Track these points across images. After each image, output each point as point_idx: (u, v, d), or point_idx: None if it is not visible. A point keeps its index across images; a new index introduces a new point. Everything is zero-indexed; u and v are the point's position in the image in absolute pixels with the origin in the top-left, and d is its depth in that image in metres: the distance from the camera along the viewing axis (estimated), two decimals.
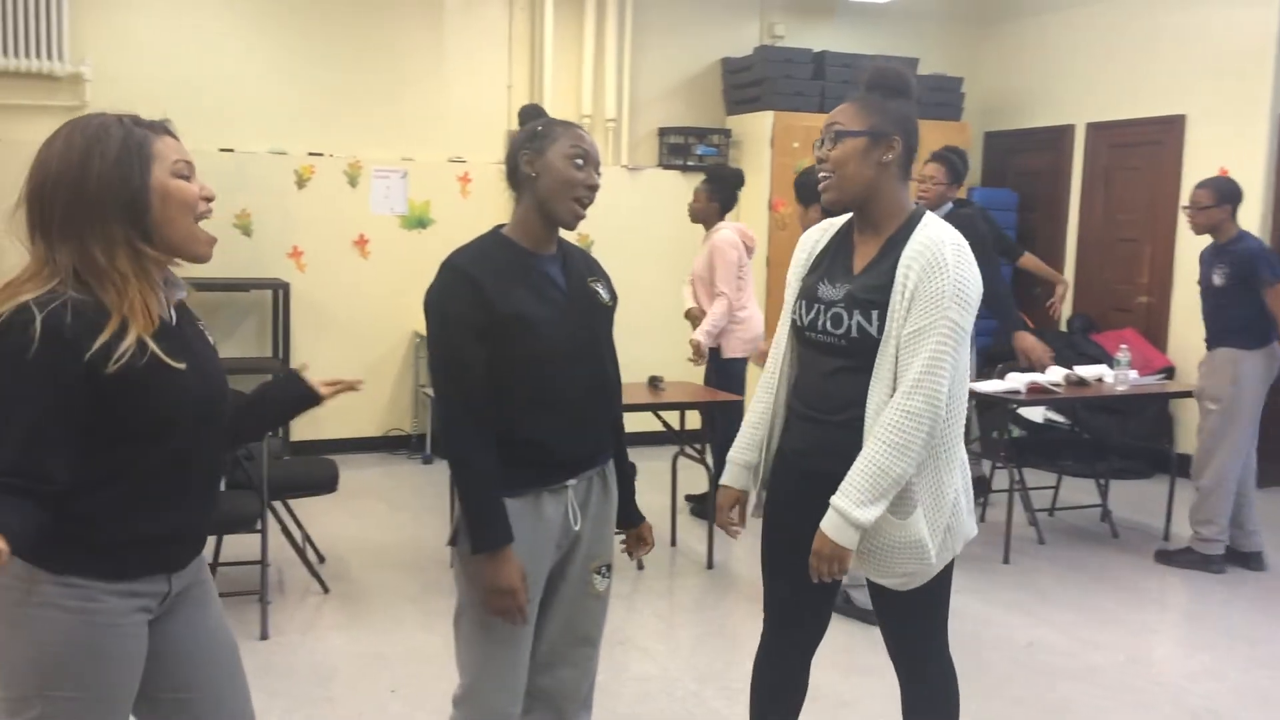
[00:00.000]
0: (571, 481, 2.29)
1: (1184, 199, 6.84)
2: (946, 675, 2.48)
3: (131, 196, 1.69)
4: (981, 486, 5.89)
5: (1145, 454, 6.62)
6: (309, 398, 2.11)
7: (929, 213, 2.34)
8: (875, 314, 2.24)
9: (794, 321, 2.41)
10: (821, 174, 2.34)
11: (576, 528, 2.31)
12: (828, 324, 2.32)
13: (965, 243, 2.25)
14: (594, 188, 2.24)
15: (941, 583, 2.37)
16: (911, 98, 2.35)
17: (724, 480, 2.55)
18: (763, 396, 2.51)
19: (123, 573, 1.75)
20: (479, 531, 2.17)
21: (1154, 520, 5.65)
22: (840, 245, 2.41)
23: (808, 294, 2.39)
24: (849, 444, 2.25)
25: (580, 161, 2.21)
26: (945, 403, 2.19)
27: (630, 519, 2.52)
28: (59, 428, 1.63)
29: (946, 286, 2.17)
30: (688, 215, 5.57)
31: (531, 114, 2.37)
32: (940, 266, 2.18)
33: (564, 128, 2.25)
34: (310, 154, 6.62)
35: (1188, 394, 5.30)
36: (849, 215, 2.42)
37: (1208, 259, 4.95)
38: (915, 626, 2.44)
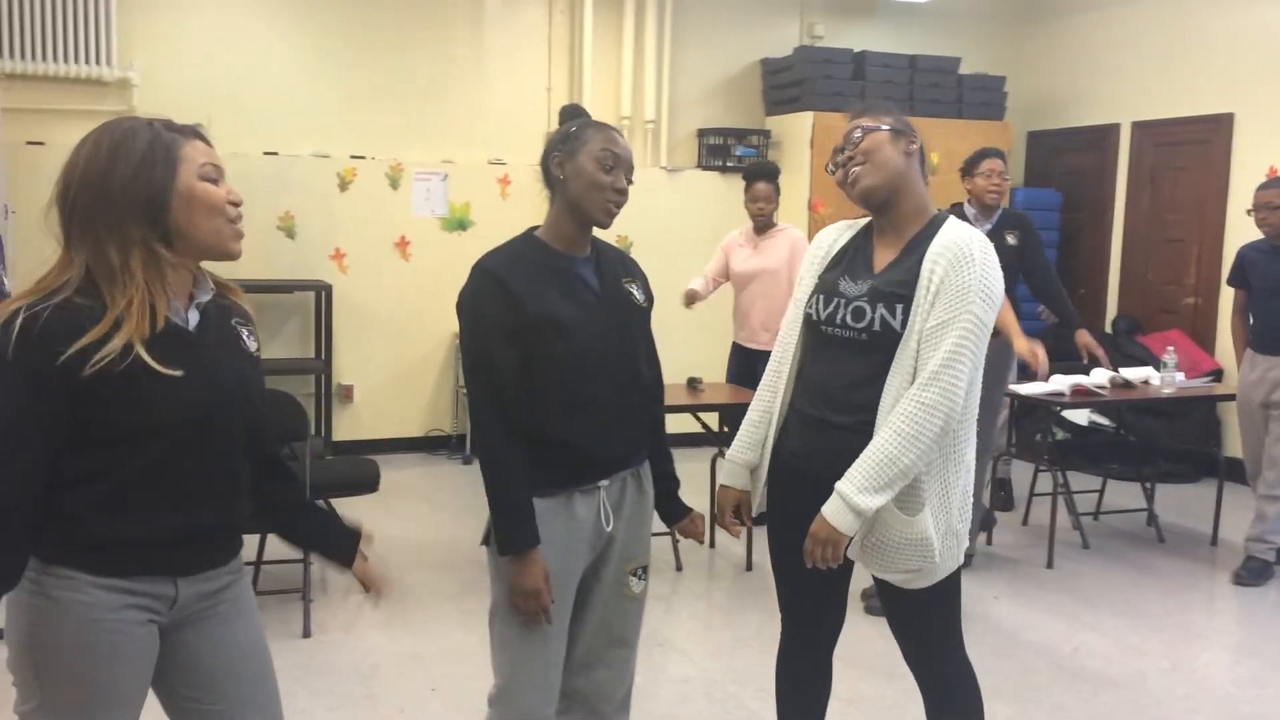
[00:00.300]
0: (604, 482, 2.29)
1: (1233, 199, 6.76)
2: (965, 676, 2.44)
3: (151, 197, 1.69)
4: (1005, 491, 5.86)
5: (1192, 457, 6.51)
6: (340, 557, 2.06)
7: (951, 215, 2.35)
8: (900, 307, 2.23)
9: (809, 316, 2.37)
10: (853, 166, 2.32)
11: (609, 528, 2.31)
12: (848, 318, 2.29)
13: (990, 244, 2.26)
14: (622, 191, 2.23)
15: (951, 582, 2.34)
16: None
17: (723, 480, 2.53)
18: (765, 395, 2.48)
19: (111, 569, 1.73)
20: (505, 533, 2.19)
21: (1201, 525, 5.56)
22: (860, 245, 2.40)
23: (827, 289, 2.36)
24: (852, 449, 2.22)
25: (610, 164, 2.20)
26: (963, 398, 2.17)
27: (674, 514, 2.51)
28: (35, 428, 1.65)
29: (973, 281, 2.17)
30: (756, 218, 5.31)
31: (571, 114, 2.35)
32: (968, 261, 2.19)
33: (596, 130, 2.24)
34: (352, 157, 6.69)
35: (1236, 397, 5.21)
36: (867, 219, 2.42)
37: (1271, 259, 4.84)
38: (929, 629, 2.41)
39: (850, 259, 2.38)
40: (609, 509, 2.30)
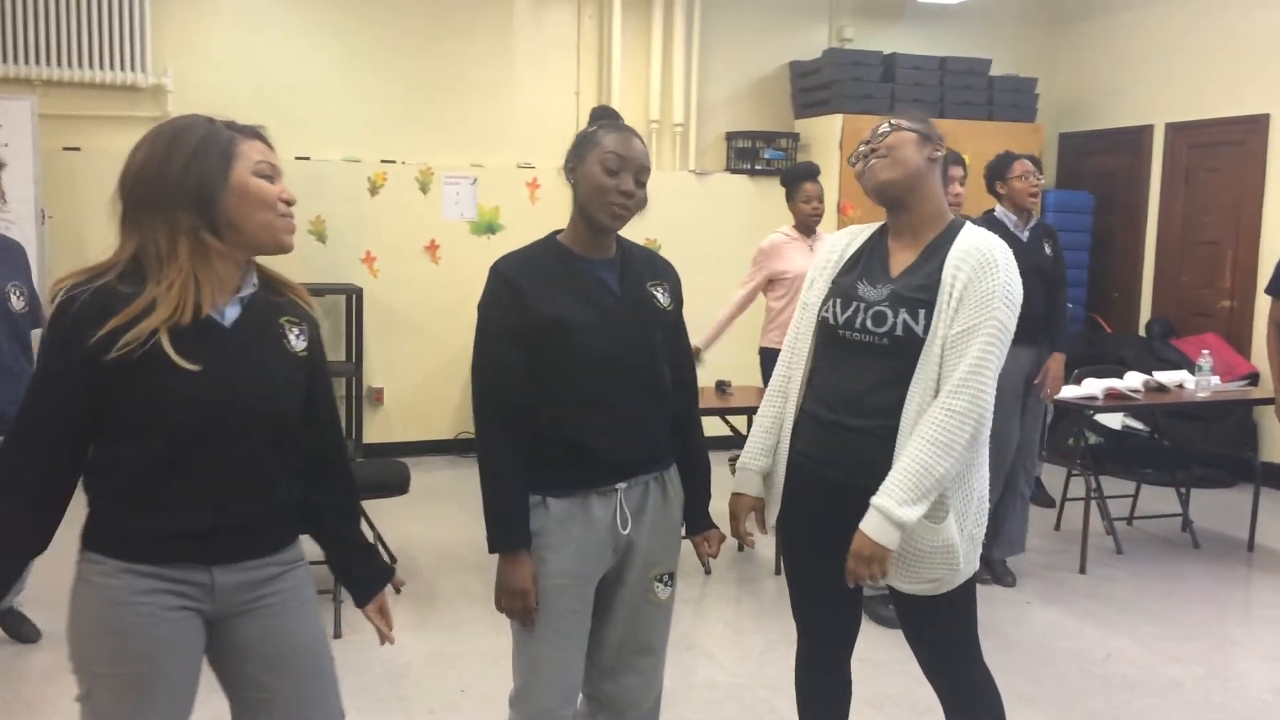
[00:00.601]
0: (621, 485, 2.28)
1: (1269, 201, 6.68)
2: (987, 682, 2.40)
3: (202, 186, 1.73)
4: (1039, 489, 5.81)
5: (1228, 462, 6.43)
6: (357, 593, 2.08)
7: (969, 221, 2.33)
8: (922, 313, 2.21)
9: (825, 320, 2.34)
10: (873, 158, 2.31)
11: (625, 532, 2.29)
12: (868, 322, 2.26)
13: (1010, 250, 2.26)
14: (628, 193, 2.18)
15: (968, 589, 2.32)
16: None
17: (736, 487, 2.47)
18: (775, 401, 2.44)
19: (139, 556, 1.76)
20: (495, 532, 2.22)
21: (1237, 531, 5.49)
22: (875, 248, 2.37)
23: (844, 292, 2.33)
24: (873, 454, 2.22)
25: (614, 167, 2.18)
26: (991, 404, 2.17)
27: (692, 526, 2.47)
28: (56, 401, 1.72)
29: (997, 287, 2.17)
30: (811, 218, 5.13)
31: (599, 115, 2.35)
32: (991, 267, 2.18)
33: (608, 133, 2.21)
34: (383, 161, 6.74)
35: (1272, 400, 5.14)
36: (879, 223, 2.41)
37: None
38: (948, 638, 2.37)
39: (866, 262, 2.35)
40: (627, 512, 2.29)
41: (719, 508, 2.49)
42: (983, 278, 2.17)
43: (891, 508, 2.13)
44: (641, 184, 2.21)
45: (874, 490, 2.18)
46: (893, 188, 2.30)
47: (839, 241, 2.44)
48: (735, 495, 2.48)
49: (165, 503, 1.76)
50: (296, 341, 1.89)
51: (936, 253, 2.26)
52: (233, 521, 1.81)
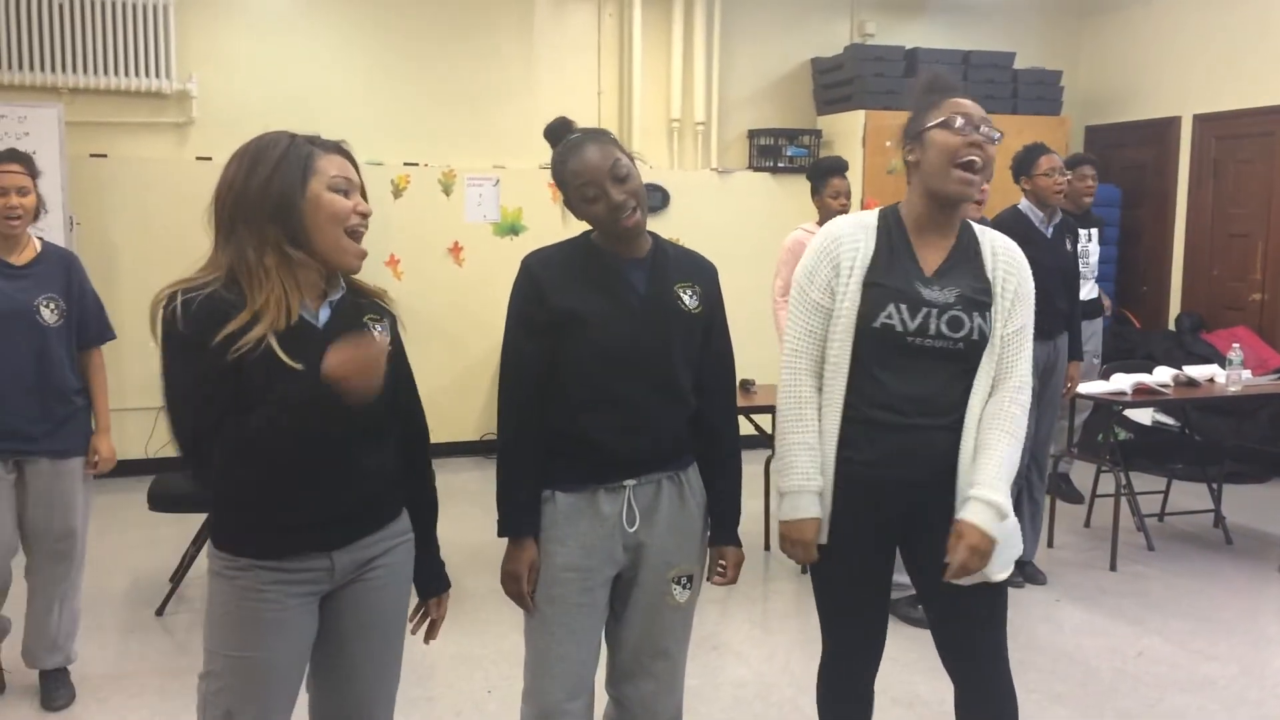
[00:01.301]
0: (630, 482, 2.27)
1: None
2: (1009, 679, 2.38)
3: (283, 200, 1.83)
4: (1066, 483, 5.78)
5: (1261, 457, 6.35)
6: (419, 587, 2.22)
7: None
8: (988, 314, 2.27)
9: (889, 328, 2.23)
10: (977, 171, 2.23)
11: (631, 529, 2.27)
12: (943, 328, 2.22)
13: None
14: (618, 205, 2.16)
15: (1003, 588, 2.33)
16: None
17: (799, 513, 2.30)
18: (807, 416, 2.30)
19: (266, 551, 1.90)
20: (503, 518, 2.29)
21: (1271, 526, 5.42)
22: (896, 247, 2.29)
23: (908, 298, 2.24)
24: (947, 449, 2.25)
25: (592, 193, 2.18)
26: (1030, 389, 2.33)
27: (716, 536, 2.41)
28: (205, 389, 1.79)
29: (1031, 288, 2.33)
30: (841, 213, 4.94)
31: (557, 133, 2.31)
32: (1025, 267, 2.33)
33: (564, 167, 2.22)
34: (405, 164, 6.76)
35: None
36: (873, 214, 2.36)
37: None
38: (990, 634, 2.36)
39: (895, 261, 2.28)
40: (635, 510, 2.27)
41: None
42: (1025, 279, 2.31)
43: (999, 500, 2.19)
44: (622, 179, 2.17)
45: (940, 486, 2.24)
46: (976, 199, 2.37)
47: (850, 240, 2.31)
48: (800, 521, 2.30)
49: (280, 498, 1.88)
50: (380, 337, 1.99)
51: (966, 249, 2.30)
52: (346, 509, 1.95)
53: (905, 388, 2.25)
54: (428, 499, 2.24)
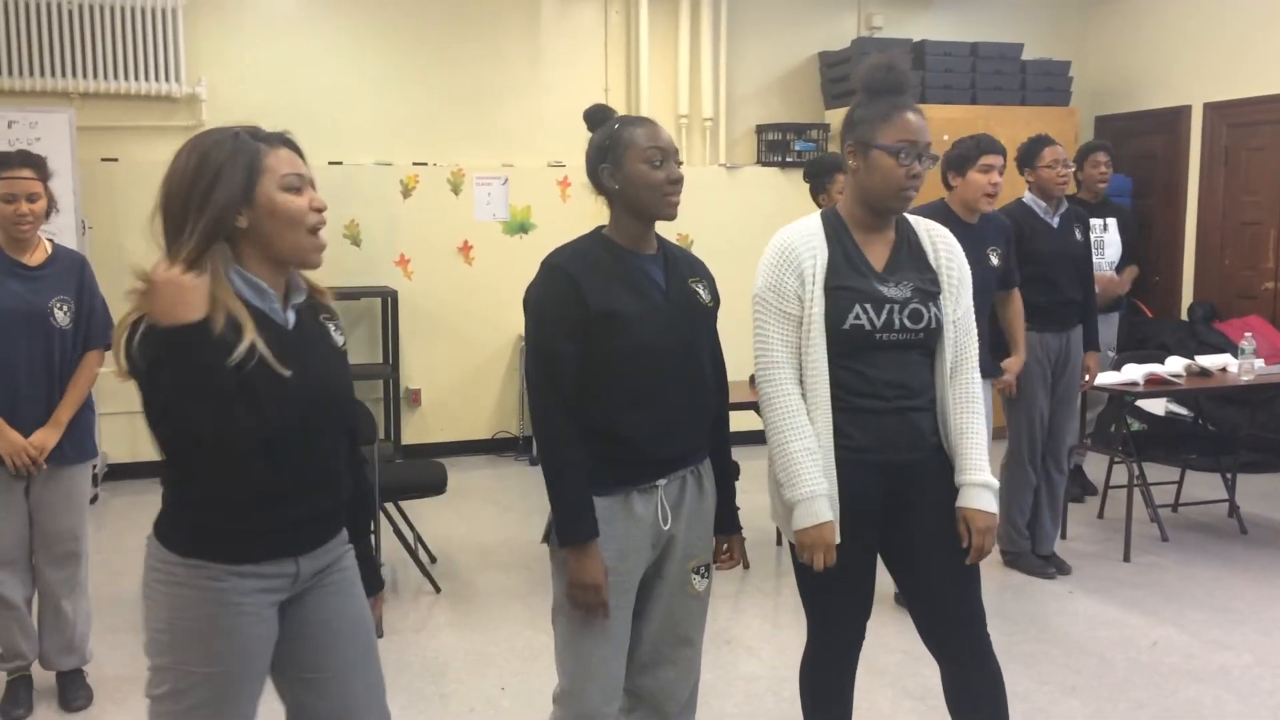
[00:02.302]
0: (661, 481, 2.29)
1: None
2: (990, 651, 2.47)
3: (228, 205, 1.77)
4: (1081, 477, 5.76)
5: (1275, 446, 6.31)
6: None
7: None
8: (939, 301, 2.37)
9: (858, 328, 2.30)
10: (913, 190, 2.33)
11: (666, 527, 2.31)
12: (905, 321, 2.34)
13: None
14: (677, 180, 2.25)
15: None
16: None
17: (813, 520, 2.28)
18: (801, 423, 2.31)
19: (242, 556, 1.84)
20: (564, 525, 2.22)
21: None
22: (845, 248, 2.36)
23: (871, 298, 2.31)
24: (926, 426, 2.38)
25: (659, 161, 2.23)
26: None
27: (723, 526, 2.48)
28: (198, 409, 1.71)
29: (968, 271, 2.45)
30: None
31: (597, 118, 2.36)
32: (961, 253, 2.44)
33: (630, 130, 2.25)
34: (414, 164, 6.78)
35: None
36: (813, 219, 2.41)
37: None
38: (974, 599, 2.43)
39: (849, 263, 2.35)
40: (667, 508, 2.30)
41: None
42: (963, 263, 2.43)
43: (991, 480, 2.36)
44: (679, 164, 2.28)
45: (924, 464, 2.36)
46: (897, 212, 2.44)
47: (806, 248, 2.34)
48: (819, 526, 2.28)
49: (263, 500, 1.84)
50: (337, 335, 2.00)
51: (905, 241, 2.41)
52: (320, 510, 1.93)
53: (882, 375, 2.34)
54: (361, 496, 2.13)
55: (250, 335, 1.74)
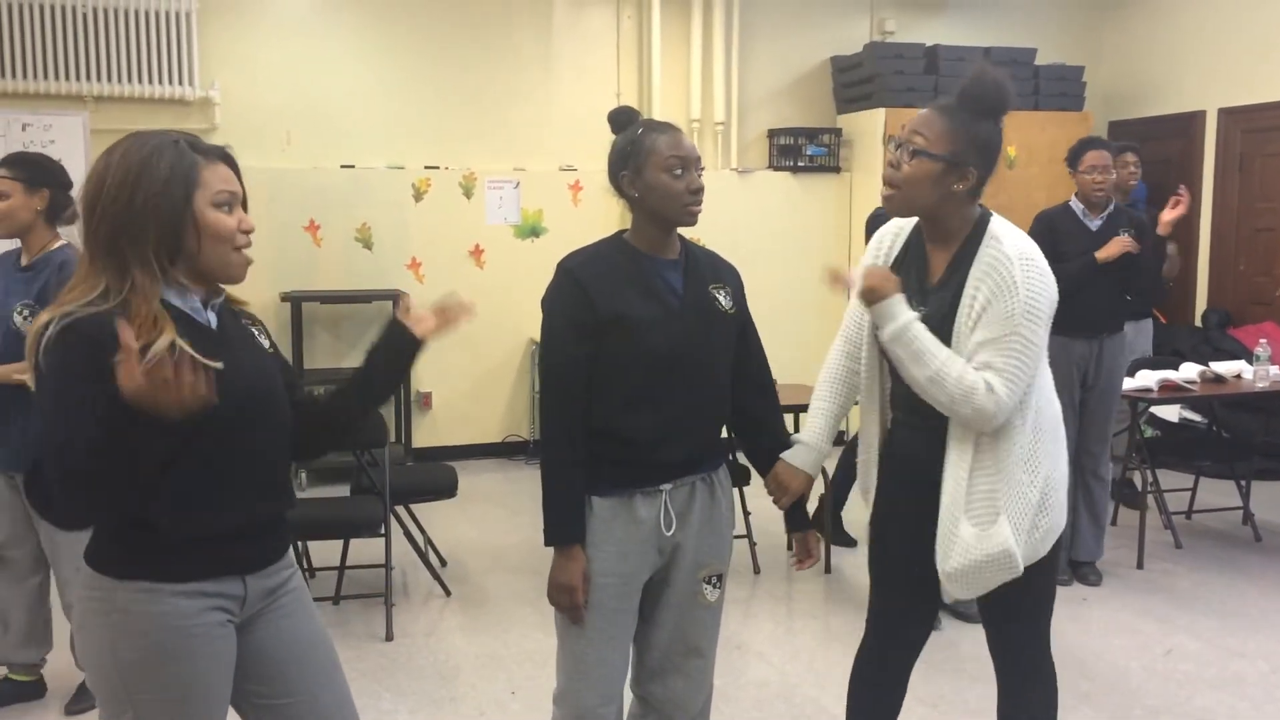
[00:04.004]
0: (666, 485, 2.28)
1: None
2: (1052, 677, 2.42)
3: (170, 221, 1.73)
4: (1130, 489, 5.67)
5: None
6: (413, 344, 2.00)
7: (995, 219, 2.25)
8: (950, 329, 2.20)
9: (877, 335, 2.32)
10: (889, 183, 2.24)
11: (668, 533, 2.29)
12: None
13: (1035, 252, 2.18)
14: (698, 190, 2.23)
15: (1048, 581, 2.34)
16: (1003, 117, 2.24)
17: (792, 459, 2.39)
18: (836, 388, 2.46)
19: (186, 573, 1.77)
20: (551, 526, 2.24)
21: None
22: (915, 252, 2.34)
23: None
24: (945, 445, 2.25)
25: (679, 171, 2.21)
26: (1005, 412, 2.14)
27: (797, 522, 2.49)
28: (95, 418, 1.62)
29: (1016, 308, 2.12)
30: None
31: (622, 120, 2.34)
32: (1009, 289, 2.13)
33: (653, 137, 2.23)
34: (426, 167, 6.79)
35: None
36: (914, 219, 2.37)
37: None
38: (1025, 628, 2.37)
39: (907, 266, 2.33)
40: (672, 513, 2.29)
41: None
42: (1000, 298, 2.13)
43: (900, 327, 2.17)
44: (700, 173, 2.26)
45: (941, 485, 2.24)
46: (903, 216, 2.33)
47: (882, 244, 2.41)
48: (786, 466, 2.39)
49: (205, 508, 1.78)
50: (262, 339, 1.96)
51: (963, 263, 2.22)
52: (263, 518, 1.88)
53: (901, 387, 2.31)
54: (342, 392, 2.05)
55: (169, 334, 1.66)
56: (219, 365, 1.71)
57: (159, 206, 1.72)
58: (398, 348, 2.01)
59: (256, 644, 1.89)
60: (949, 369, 2.14)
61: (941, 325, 2.21)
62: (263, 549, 1.89)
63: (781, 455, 2.42)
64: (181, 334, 1.69)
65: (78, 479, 1.63)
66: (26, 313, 3.15)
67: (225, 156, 1.82)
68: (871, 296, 2.21)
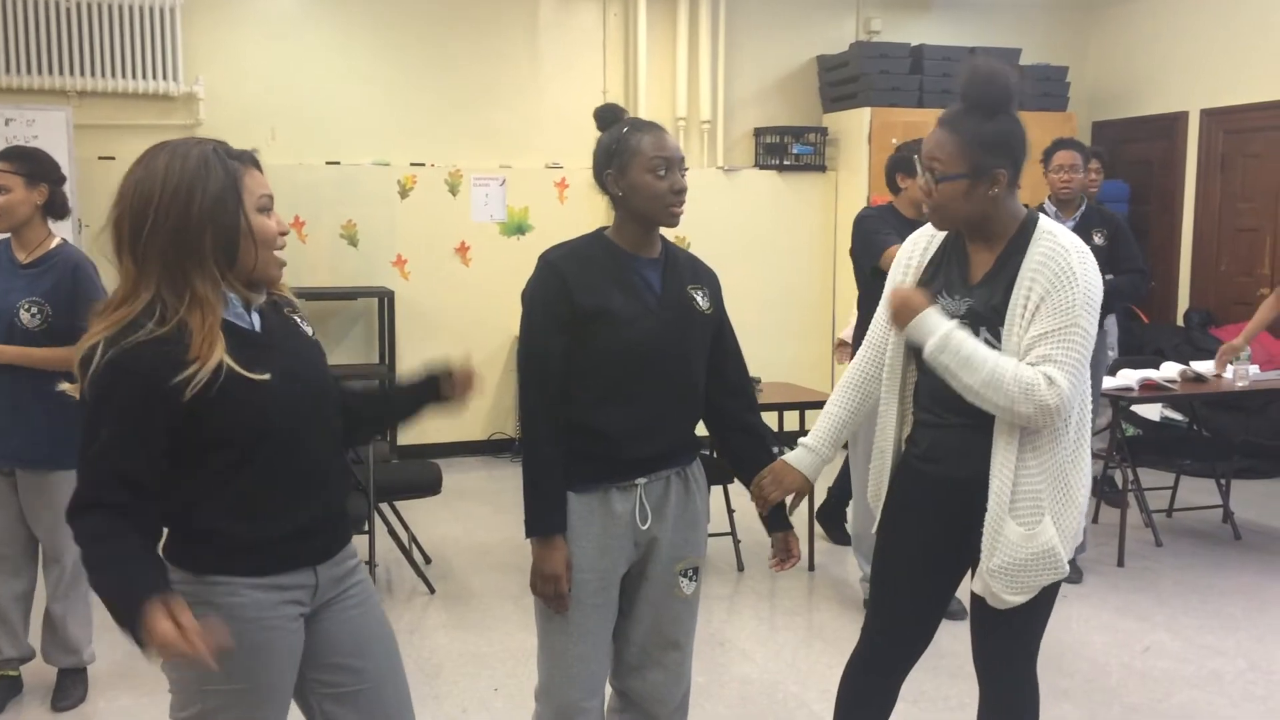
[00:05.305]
0: (641, 480, 2.30)
1: None
2: (1034, 685, 2.41)
3: (228, 230, 1.75)
4: (1110, 487, 5.71)
5: (1269, 452, 6.33)
6: (435, 397, 2.11)
7: (1043, 217, 2.23)
8: (999, 330, 2.17)
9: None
10: (930, 207, 2.24)
11: (644, 527, 2.31)
12: None
13: (1085, 246, 2.18)
14: (680, 190, 2.25)
15: (1047, 593, 2.28)
16: (1014, 104, 2.19)
17: (789, 458, 2.42)
18: (849, 394, 2.43)
19: (261, 569, 1.82)
20: (533, 516, 2.27)
21: (1279, 522, 5.41)
22: (953, 251, 2.31)
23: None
24: (973, 444, 2.21)
25: (663, 171, 2.22)
26: (1065, 405, 2.10)
27: (777, 522, 2.49)
28: (144, 452, 1.71)
29: (1077, 297, 2.10)
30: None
31: (608, 118, 2.35)
32: (1069, 279, 2.10)
33: (638, 137, 2.24)
34: (412, 164, 6.78)
35: None
36: None
37: None
38: (1020, 636, 2.35)
39: (946, 267, 2.30)
40: (647, 508, 2.31)
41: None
42: (1059, 289, 2.10)
43: (941, 340, 2.14)
44: (684, 173, 2.27)
45: (970, 482, 2.20)
46: (952, 229, 2.29)
47: (918, 243, 2.39)
48: (785, 464, 2.40)
49: (273, 508, 1.83)
50: (306, 327, 1.99)
51: (1012, 258, 2.18)
52: (327, 511, 1.92)
53: (932, 386, 2.28)
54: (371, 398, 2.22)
55: (219, 354, 1.71)
56: (266, 377, 1.76)
57: (216, 216, 1.74)
58: (424, 397, 2.10)
59: (325, 633, 1.94)
60: (1003, 368, 2.10)
61: (989, 318, 2.17)
62: (330, 539, 1.94)
63: (783, 456, 2.43)
64: (229, 348, 1.73)
65: (108, 501, 1.70)
66: (34, 310, 3.16)
67: (255, 161, 1.86)
68: (904, 314, 2.19)
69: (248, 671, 1.81)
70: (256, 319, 1.87)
